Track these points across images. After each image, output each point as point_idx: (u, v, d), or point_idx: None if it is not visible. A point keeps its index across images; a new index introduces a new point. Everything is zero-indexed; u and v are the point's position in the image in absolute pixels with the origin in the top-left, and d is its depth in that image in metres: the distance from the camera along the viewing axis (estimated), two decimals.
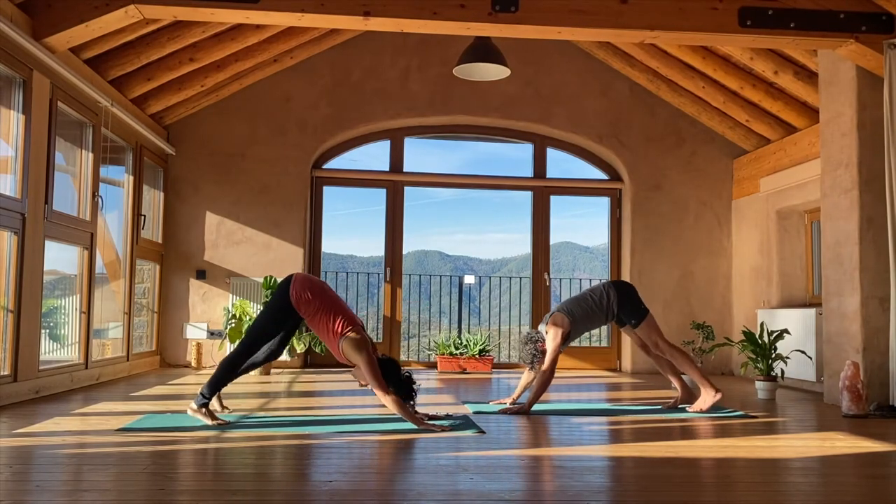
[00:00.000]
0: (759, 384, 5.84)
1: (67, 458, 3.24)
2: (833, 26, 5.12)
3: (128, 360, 6.79)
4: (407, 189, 8.40)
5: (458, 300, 8.67)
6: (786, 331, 5.95)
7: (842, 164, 5.53)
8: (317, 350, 7.15)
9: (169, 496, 2.61)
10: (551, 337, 4.83)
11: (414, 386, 4.16)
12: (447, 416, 4.43)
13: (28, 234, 4.96)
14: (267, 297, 7.16)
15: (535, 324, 8.41)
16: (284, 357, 7.36)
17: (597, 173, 8.59)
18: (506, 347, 9.62)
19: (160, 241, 7.65)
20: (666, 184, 8.27)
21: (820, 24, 5.12)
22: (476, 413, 4.71)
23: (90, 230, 6.04)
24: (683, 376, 5.22)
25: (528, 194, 8.60)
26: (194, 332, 7.66)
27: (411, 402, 4.15)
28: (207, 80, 7.18)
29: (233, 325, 7.04)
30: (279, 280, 7.45)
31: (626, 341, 8.16)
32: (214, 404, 4.17)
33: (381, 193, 8.38)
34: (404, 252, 8.39)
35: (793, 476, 3.15)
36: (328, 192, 8.29)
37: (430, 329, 10.35)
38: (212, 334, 7.65)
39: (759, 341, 5.89)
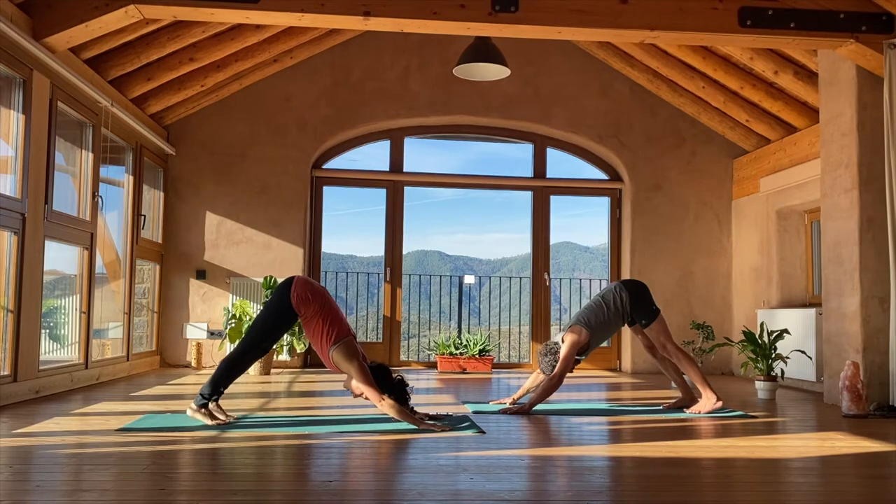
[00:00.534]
0: (759, 384, 5.84)
1: (67, 458, 3.24)
2: (833, 26, 5.12)
3: (128, 360, 6.79)
4: (407, 189, 8.41)
5: (458, 300, 8.67)
6: (786, 331, 5.95)
7: (842, 164, 5.53)
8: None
9: (169, 496, 2.61)
10: (565, 347, 4.84)
11: (407, 388, 4.17)
12: (447, 416, 4.43)
13: (28, 234, 4.96)
14: (267, 296, 7.16)
15: (535, 324, 8.42)
16: (284, 357, 7.37)
17: (597, 173, 8.59)
18: (506, 347, 9.62)
19: (160, 241, 7.65)
20: (666, 184, 8.28)
21: (820, 24, 5.12)
22: (476, 413, 4.71)
23: (90, 230, 6.04)
24: (684, 376, 5.22)
25: (528, 194, 8.60)
26: (194, 332, 7.66)
27: (407, 402, 4.16)
28: (207, 80, 7.18)
29: (233, 325, 7.04)
30: (279, 280, 7.48)
31: (627, 341, 8.16)
32: (216, 413, 4.14)
33: (381, 193, 8.38)
34: (404, 252, 8.40)
35: (793, 476, 3.15)
36: (328, 192, 8.30)
37: (429, 329, 10.36)
38: (212, 334, 7.65)
39: (759, 341, 5.89)
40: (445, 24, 5.08)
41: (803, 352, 6.17)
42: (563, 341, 4.89)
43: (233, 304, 7.35)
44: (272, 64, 7.71)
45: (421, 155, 8.63)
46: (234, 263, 7.77)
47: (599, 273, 14.14)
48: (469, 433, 3.94)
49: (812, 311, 6.48)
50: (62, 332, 5.99)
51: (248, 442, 3.64)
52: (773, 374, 5.85)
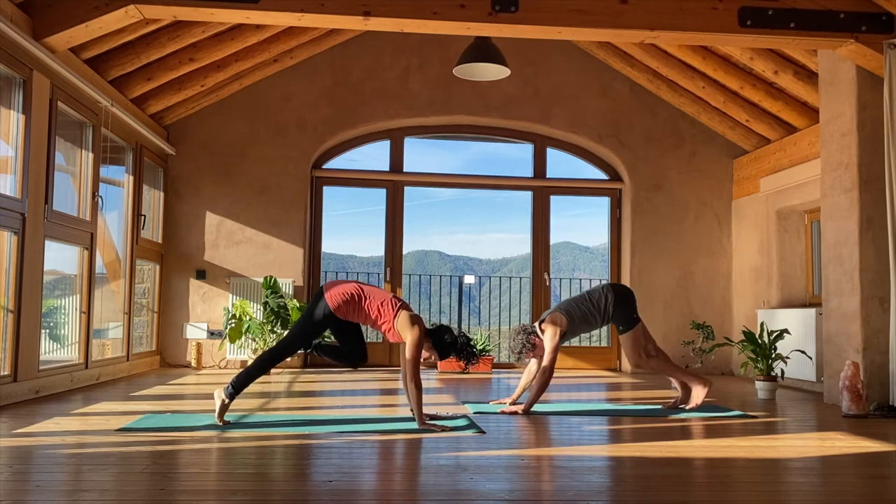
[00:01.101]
0: (759, 384, 5.84)
1: (67, 458, 3.24)
2: (833, 26, 5.12)
3: (128, 360, 6.79)
4: (407, 189, 8.41)
5: (458, 300, 8.67)
6: (786, 331, 5.95)
7: (842, 164, 5.53)
8: None
9: (169, 496, 2.61)
10: (549, 336, 4.80)
11: (471, 346, 4.34)
12: (447, 416, 4.43)
13: (28, 234, 4.96)
14: (267, 296, 7.17)
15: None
16: None
17: (597, 173, 8.59)
18: (505, 347, 9.62)
19: (160, 241, 7.65)
20: (666, 184, 8.28)
21: (820, 24, 5.12)
22: (476, 413, 4.71)
23: (90, 230, 6.04)
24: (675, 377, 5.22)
25: (528, 194, 8.60)
26: (194, 332, 7.66)
27: (473, 360, 4.37)
28: (207, 80, 7.18)
29: (233, 325, 7.04)
30: (279, 280, 7.49)
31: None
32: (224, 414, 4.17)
33: (381, 193, 8.38)
34: (404, 252, 8.40)
35: (793, 476, 3.15)
36: (328, 192, 8.30)
37: None
38: (212, 334, 7.65)
39: (759, 341, 5.89)
40: (445, 24, 5.08)
41: (803, 352, 6.17)
42: (541, 329, 4.87)
43: (233, 304, 7.36)
44: (272, 64, 7.71)
45: (421, 155, 8.64)
46: (234, 263, 7.77)
47: (599, 273, 14.14)
48: (469, 433, 3.94)
49: (812, 311, 6.48)
50: (62, 332, 5.99)
51: (248, 442, 3.64)
52: (773, 374, 5.85)
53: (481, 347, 7.95)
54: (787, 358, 5.98)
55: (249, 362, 7.12)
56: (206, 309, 7.70)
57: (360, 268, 13.15)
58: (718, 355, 7.74)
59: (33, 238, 5.04)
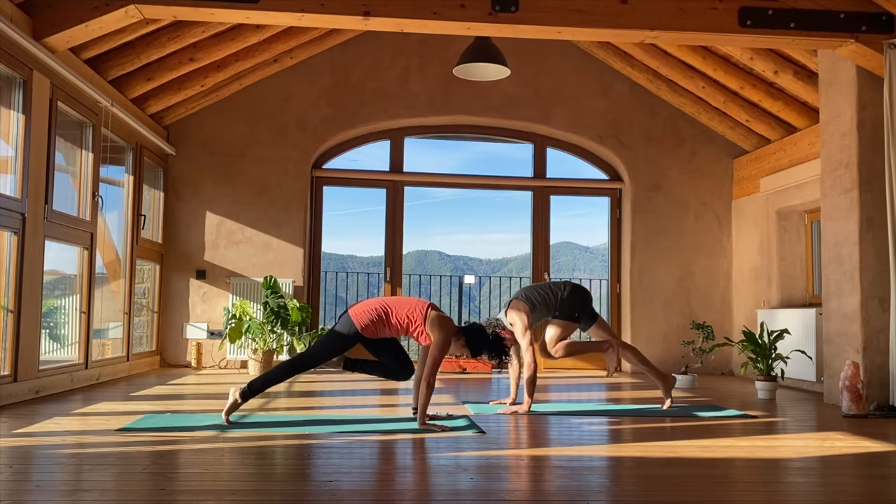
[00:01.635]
0: (759, 384, 5.84)
1: (67, 458, 3.24)
2: (833, 26, 5.12)
3: (128, 360, 6.79)
4: (407, 189, 8.40)
5: (458, 300, 8.67)
6: (786, 331, 5.95)
7: (842, 164, 5.53)
8: None
9: (169, 496, 2.61)
10: (520, 328, 4.83)
11: (504, 343, 4.31)
12: (448, 416, 4.43)
13: (28, 234, 4.96)
14: (267, 296, 7.17)
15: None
16: (284, 357, 7.36)
17: (597, 173, 8.59)
18: None
19: (160, 241, 7.65)
20: (666, 184, 8.28)
21: (820, 24, 5.12)
22: (476, 413, 4.71)
23: (90, 230, 6.04)
24: (643, 367, 5.27)
25: (528, 194, 8.60)
26: (194, 332, 7.66)
27: (506, 357, 4.33)
28: (207, 80, 7.18)
29: (233, 325, 7.04)
30: (279, 280, 7.48)
31: (627, 341, 8.15)
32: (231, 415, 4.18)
33: (381, 193, 8.38)
34: (404, 252, 8.39)
35: (793, 476, 3.15)
36: (328, 192, 8.30)
37: None
38: (212, 334, 7.65)
39: (759, 341, 5.89)
40: (445, 24, 5.08)
41: (803, 352, 6.17)
42: (510, 323, 4.88)
43: (233, 305, 7.35)
44: (272, 64, 7.71)
45: (421, 155, 8.64)
46: (234, 263, 7.77)
47: (599, 273, 14.15)
48: (469, 433, 3.94)
49: (812, 311, 6.48)
50: (62, 332, 5.99)
51: (248, 442, 3.64)
52: (773, 374, 5.85)
53: None
54: (787, 358, 5.98)
55: (249, 362, 7.16)
56: (206, 309, 7.70)
57: (360, 268, 13.15)
58: (718, 355, 7.74)
59: (33, 238, 5.04)
